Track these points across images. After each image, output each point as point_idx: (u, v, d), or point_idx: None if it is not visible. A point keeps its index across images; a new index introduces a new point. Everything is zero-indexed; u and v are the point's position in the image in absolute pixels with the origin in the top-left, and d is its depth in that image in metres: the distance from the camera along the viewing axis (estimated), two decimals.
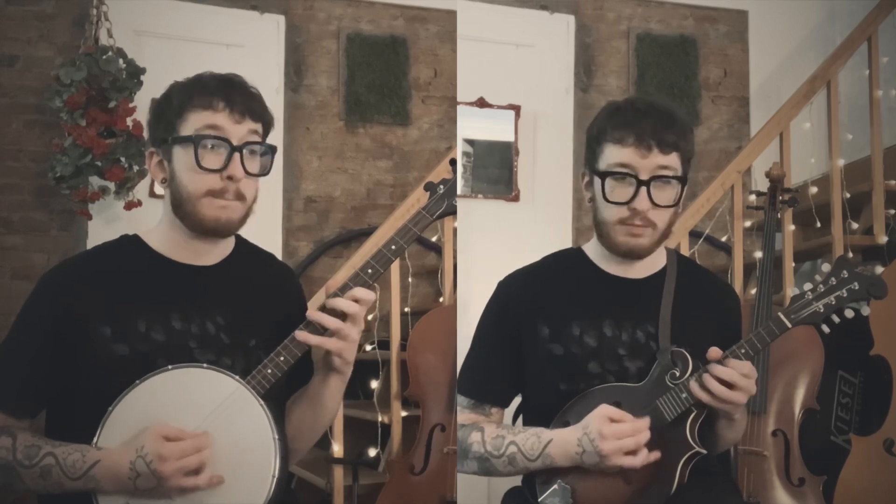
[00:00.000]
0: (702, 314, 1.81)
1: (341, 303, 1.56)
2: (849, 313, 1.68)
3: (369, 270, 1.60)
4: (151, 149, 1.65)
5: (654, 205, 1.68)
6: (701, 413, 1.69)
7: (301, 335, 1.56)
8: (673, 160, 1.69)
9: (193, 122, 1.58)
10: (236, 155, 1.58)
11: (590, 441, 1.63)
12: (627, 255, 1.75)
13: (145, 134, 3.81)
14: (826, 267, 1.70)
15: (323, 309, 1.58)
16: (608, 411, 1.64)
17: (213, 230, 1.62)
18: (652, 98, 1.76)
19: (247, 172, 1.59)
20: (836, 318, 1.68)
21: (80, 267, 1.66)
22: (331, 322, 1.56)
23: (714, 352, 1.66)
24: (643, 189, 1.67)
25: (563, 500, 1.69)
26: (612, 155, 1.69)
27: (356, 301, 1.57)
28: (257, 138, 1.62)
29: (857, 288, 1.66)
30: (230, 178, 1.58)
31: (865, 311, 1.68)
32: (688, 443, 1.67)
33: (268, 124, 1.65)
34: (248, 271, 1.72)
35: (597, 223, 1.77)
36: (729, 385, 1.62)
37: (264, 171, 1.64)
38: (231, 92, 1.60)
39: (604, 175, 1.69)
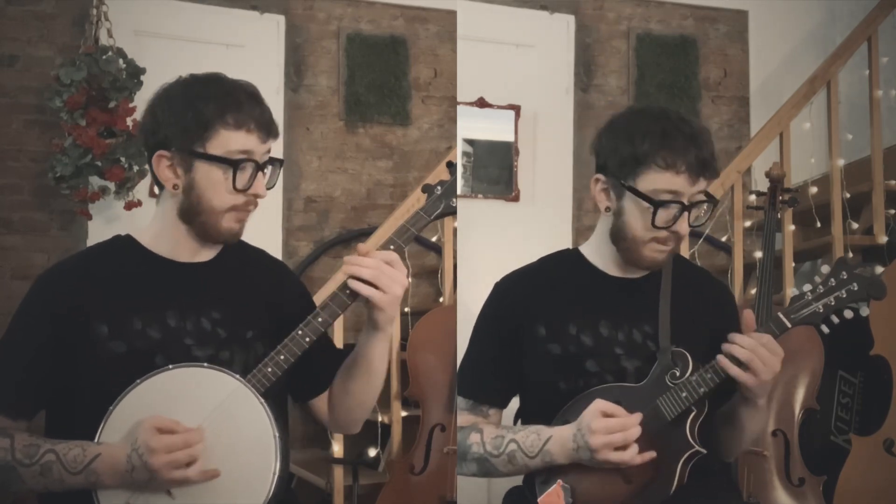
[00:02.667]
0: (698, 314, 1.81)
1: (368, 261, 1.58)
2: (848, 314, 1.68)
3: None
4: (163, 152, 1.60)
5: (690, 226, 1.71)
6: (701, 412, 1.69)
7: (353, 283, 1.57)
8: (708, 184, 1.71)
9: (225, 143, 1.57)
10: (260, 174, 1.61)
11: (581, 436, 1.64)
12: (650, 267, 1.76)
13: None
14: (826, 268, 1.70)
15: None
16: (602, 406, 1.65)
17: (227, 240, 1.66)
18: (685, 115, 1.75)
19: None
20: (835, 319, 1.69)
21: (74, 267, 1.66)
22: (368, 273, 1.56)
23: (748, 314, 1.68)
24: (685, 213, 1.68)
25: (563, 499, 1.69)
26: (662, 181, 1.66)
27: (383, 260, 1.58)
28: (270, 153, 1.65)
29: (856, 289, 1.67)
30: (255, 195, 1.61)
31: (864, 311, 1.69)
32: (688, 442, 1.67)
33: (278, 135, 1.67)
34: (241, 265, 1.73)
35: (620, 237, 1.75)
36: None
37: (272, 183, 1.67)
38: (260, 111, 1.60)
39: (657, 204, 1.67)
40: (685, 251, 3.19)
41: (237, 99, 1.59)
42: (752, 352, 1.62)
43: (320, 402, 1.81)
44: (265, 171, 1.63)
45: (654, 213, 1.67)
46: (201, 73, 1.65)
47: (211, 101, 1.58)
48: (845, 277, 1.68)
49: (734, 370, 1.63)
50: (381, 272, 1.57)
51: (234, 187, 1.58)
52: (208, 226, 1.62)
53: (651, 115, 1.72)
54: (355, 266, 1.58)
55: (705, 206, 1.72)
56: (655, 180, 1.67)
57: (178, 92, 1.61)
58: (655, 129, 1.68)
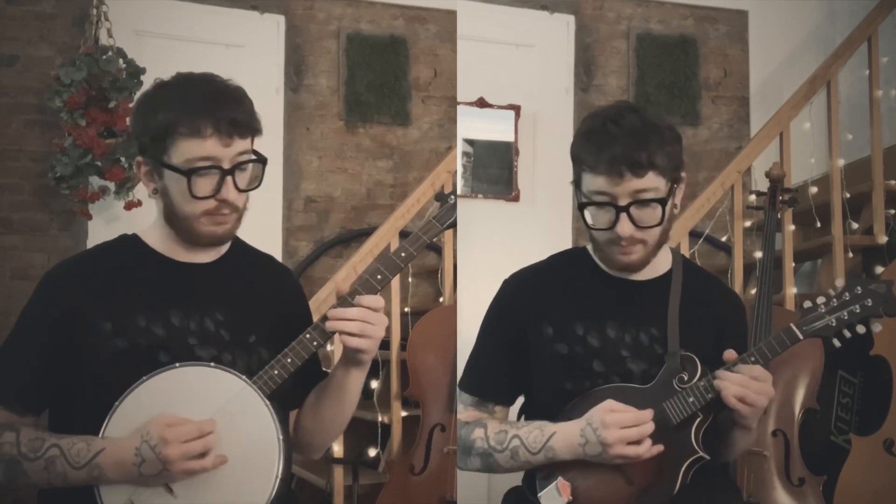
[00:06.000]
0: (706, 319, 1.80)
1: (352, 312, 1.57)
2: (860, 329, 1.66)
3: (378, 276, 1.61)
4: (139, 158, 1.62)
5: (638, 227, 1.66)
6: (707, 418, 1.69)
7: (347, 341, 1.57)
8: (651, 181, 1.64)
9: (183, 151, 1.55)
10: (228, 178, 1.57)
11: (593, 431, 1.64)
12: (623, 269, 1.76)
13: None
14: (840, 282, 1.69)
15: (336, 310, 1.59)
16: (612, 404, 1.65)
17: (209, 243, 1.65)
18: (630, 113, 1.68)
19: (239, 190, 1.59)
20: (847, 333, 1.67)
21: (80, 265, 1.67)
22: (354, 327, 1.56)
23: (730, 354, 1.66)
24: (623, 215, 1.65)
25: (562, 496, 1.69)
26: (588, 182, 1.67)
27: (369, 308, 1.58)
28: (247, 155, 1.60)
29: (870, 304, 1.65)
30: (223, 201, 1.58)
31: (877, 328, 1.66)
32: (692, 447, 1.67)
33: (256, 132, 1.61)
34: (246, 268, 1.73)
35: (591, 239, 1.77)
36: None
37: (256, 183, 1.62)
38: (217, 110, 1.54)
39: (582, 206, 1.68)
40: (685, 251, 3.19)
41: (192, 104, 1.54)
42: (744, 387, 1.62)
43: (290, 419, 1.78)
44: (237, 173, 1.58)
45: (582, 212, 1.69)
46: (178, 74, 1.63)
47: (169, 108, 1.55)
48: (860, 292, 1.66)
49: (732, 402, 1.63)
50: (365, 324, 1.57)
51: (192, 195, 1.56)
52: (187, 230, 1.62)
53: (587, 119, 1.72)
54: (340, 322, 1.57)
55: (652, 205, 1.65)
56: (586, 183, 1.68)
57: (148, 98, 1.61)
58: (582, 132, 1.70)
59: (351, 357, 1.63)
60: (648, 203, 1.65)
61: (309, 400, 1.76)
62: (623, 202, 1.65)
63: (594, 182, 1.66)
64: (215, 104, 1.55)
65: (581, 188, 1.71)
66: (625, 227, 1.65)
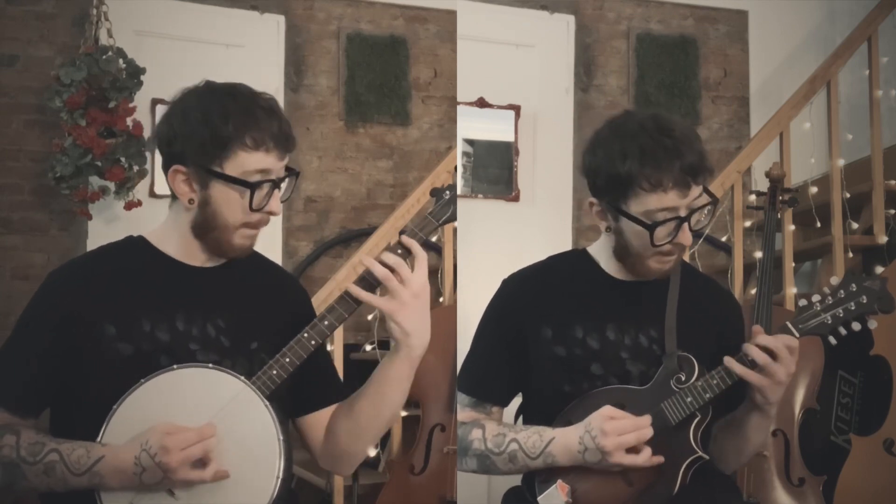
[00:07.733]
0: (705, 321, 1.80)
1: (379, 269, 1.55)
2: (856, 326, 1.66)
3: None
4: (179, 167, 1.57)
5: (693, 230, 1.67)
6: (705, 418, 1.69)
7: (353, 289, 1.55)
8: (701, 186, 1.66)
9: (245, 162, 1.55)
10: (276, 191, 1.59)
11: (591, 438, 1.64)
12: (657, 276, 1.75)
13: (146, 134, 3.78)
14: (835, 279, 1.69)
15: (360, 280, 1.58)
16: (610, 411, 1.65)
17: (237, 255, 1.65)
18: (667, 121, 1.65)
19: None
20: (842, 331, 1.67)
21: (85, 267, 1.66)
22: (380, 271, 1.55)
23: (757, 329, 1.65)
24: (685, 224, 1.65)
25: (562, 498, 1.69)
26: (652, 202, 1.62)
27: (390, 267, 1.56)
28: (285, 169, 1.63)
29: (865, 301, 1.65)
30: (270, 213, 1.60)
31: (872, 324, 1.66)
32: (691, 447, 1.67)
33: (294, 148, 1.64)
34: (251, 274, 1.72)
35: (624, 254, 1.73)
36: (772, 356, 1.59)
37: (287, 196, 1.65)
38: (278, 128, 1.57)
39: (652, 227, 1.63)
40: (685, 252, 3.19)
41: (255, 117, 1.55)
42: (776, 350, 1.59)
43: (309, 425, 1.74)
44: (281, 186, 1.61)
45: (651, 234, 1.65)
46: (220, 83, 1.62)
47: (230, 119, 1.54)
48: (854, 289, 1.65)
49: (739, 368, 1.61)
50: (394, 273, 1.55)
51: (251, 208, 1.57)
52: (220, 241, 1.61)
53: (628, 131, 1.66)
54: (370, 260, 1.55)
55: (706, 208, 1.68)
56: (646, 202, 1.63)
57: (195, 105, 1.58)
58: (633, 148, 1.63)
59: (397, 340, 1.60)
60: (702, 208, 1.66)
61: (347, 399, 1.71)
62: (684, 213, 1.64)
63: (660, 200, 1.62)
64: (275, 117, 1.58)
65: (627, 206, 1.66)
66: (688, 237, 1.66)
